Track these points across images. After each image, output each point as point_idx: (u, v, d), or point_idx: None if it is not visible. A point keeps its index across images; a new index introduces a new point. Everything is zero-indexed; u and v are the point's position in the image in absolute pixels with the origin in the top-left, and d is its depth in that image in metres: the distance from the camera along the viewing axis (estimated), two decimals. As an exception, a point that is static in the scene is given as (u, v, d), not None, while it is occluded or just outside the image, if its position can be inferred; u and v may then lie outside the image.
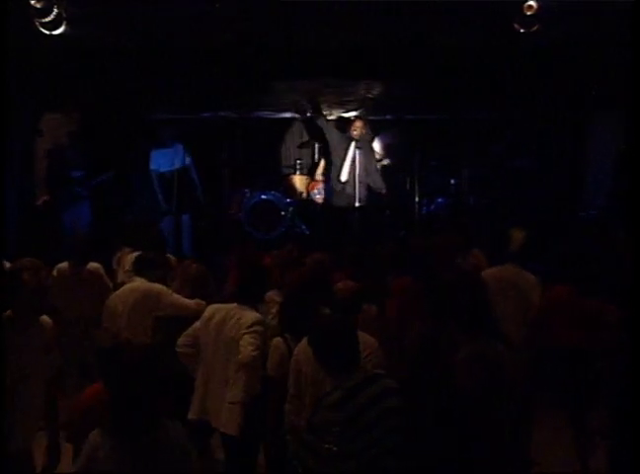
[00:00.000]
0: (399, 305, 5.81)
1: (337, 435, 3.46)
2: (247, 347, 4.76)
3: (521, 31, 7.87)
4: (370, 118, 11.05)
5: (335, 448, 3.47)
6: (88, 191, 10.15)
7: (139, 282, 5.84)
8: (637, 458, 3.86)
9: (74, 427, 4.09)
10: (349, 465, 3.48)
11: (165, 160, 10.61)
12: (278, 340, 4.80)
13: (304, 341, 4.42)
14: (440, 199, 11.21)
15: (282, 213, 10.71)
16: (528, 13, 7.73)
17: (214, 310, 5.11)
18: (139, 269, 5.95)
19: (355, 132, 9.95)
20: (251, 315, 4.95)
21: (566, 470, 5.81)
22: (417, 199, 10.87)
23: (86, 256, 7.06)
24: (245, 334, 4.82)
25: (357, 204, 9.95)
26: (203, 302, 5.61)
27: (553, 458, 5.86)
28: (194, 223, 10.66)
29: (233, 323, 4.92)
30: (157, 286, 5.78)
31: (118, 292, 5.95)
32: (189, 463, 3.39)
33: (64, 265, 7.10)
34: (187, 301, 5.74)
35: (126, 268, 6.83)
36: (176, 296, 5.76)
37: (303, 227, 10.94)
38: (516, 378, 4.17)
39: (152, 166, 10.62)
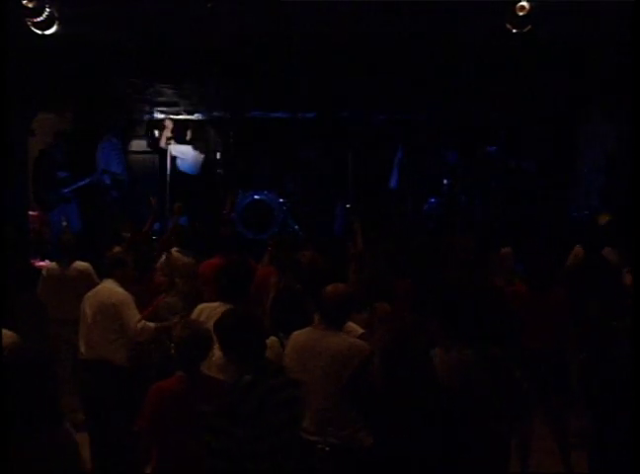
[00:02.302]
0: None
1: (239, 422, 3.50)
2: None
3: (514, 31, 7.88)
4: (360, 118, 11.10)
5: (239, 434, 3.51)
6: (73, 192, 10.15)
7: (103, 287, 5.77)
8: (637, 458, 3.87)
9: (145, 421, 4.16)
10: (248, 451, 3.53)
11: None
12: (273, 339, 4.78)
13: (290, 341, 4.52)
14: (432, 200, 11.22)
15: (275, 213, 10.72)
16: (521, 13, 7.74)
17: (201, 309, 5.15)
18: (107, 269, 5.87)
19: None
20: None
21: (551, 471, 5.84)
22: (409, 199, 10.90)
23: (74, 256, 7.04)
24: None
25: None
26: (151, 325, 5.60)
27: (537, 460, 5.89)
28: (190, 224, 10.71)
29: (212, 323, 4.93)
30: (115, 296, 5.66)
31: (90, 293, 5.85)
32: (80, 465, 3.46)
33: (53, 265, 7.08)
34: (133, 321, 5.59)
35: None
36: (130, 313, 5.63)
37: (296, 227, 10.93)
38: (512, 381, 4.16)
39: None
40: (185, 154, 10.98)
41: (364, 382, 4.07)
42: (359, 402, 4.12)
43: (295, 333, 4.57)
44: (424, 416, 3.68)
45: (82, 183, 10.20)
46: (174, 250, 7.19)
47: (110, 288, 5.72)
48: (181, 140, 11.02)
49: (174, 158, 10.93)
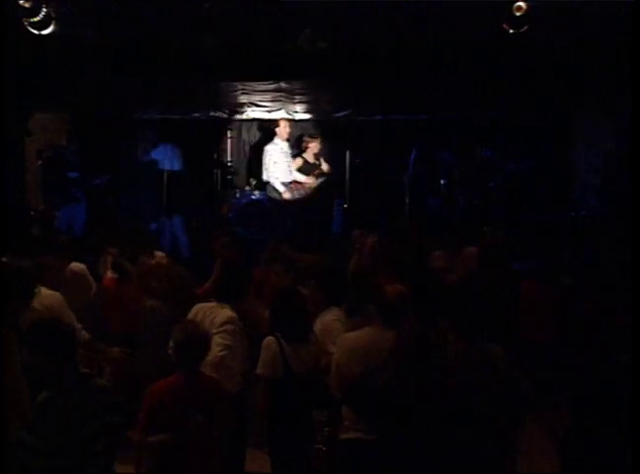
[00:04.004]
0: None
1: (43, 432, 3.46)
2: (215, 347, 4.79)
3: (511, 31, 7.88)
4: (359, 118, 11.09)
5: (41, 445, 3.45)
6: (83, 192, 10.15)
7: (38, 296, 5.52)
8: (637, 458, 3.88)
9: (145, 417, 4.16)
10: (57, 463, 3.47)
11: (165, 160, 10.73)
12: (270, 339, 4.80)
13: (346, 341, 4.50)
14: (430, 200, 11.21)
15: (273, 214, 10.71)
16: (518, 13, 7.74)
17: (197, 309, 5.16)
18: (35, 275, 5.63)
19: None
20: (224, 314, 4.99)
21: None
22: (407, 200, 10.88)
23: (70, 257, 7.02)
24: (215, 334, 4.86)
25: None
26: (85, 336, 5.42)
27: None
28: (187, 225, 10.70)
29: (209, 322, 4.96)
30: (48, 299, 5.43)
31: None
32: None
33: None
34: (74, 323, 5.28)
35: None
36: (69, 313, 5.42)
37: (293, 227, 10.92)
38: (512, 380, 4.16)
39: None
40: (163, 153, 11.01)
41: None
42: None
43: (352, 333, 4.57)
44: (430, 413, 3.71)
45: (92, 183, 10.23)
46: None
47: (42, 293, 5.48)
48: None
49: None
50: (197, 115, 11.17)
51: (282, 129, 10.75)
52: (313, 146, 10.78)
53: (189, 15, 8.04)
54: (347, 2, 7.80)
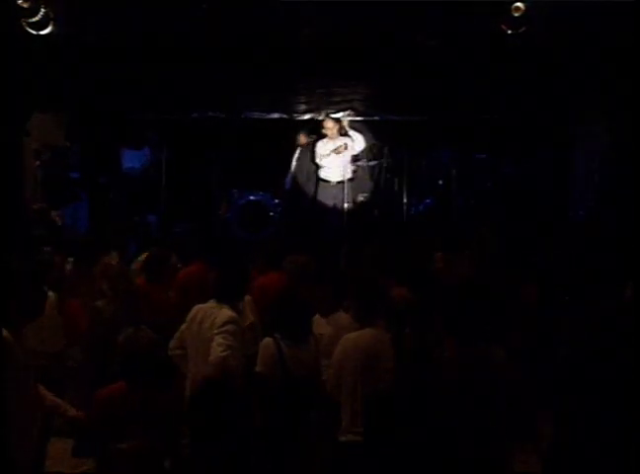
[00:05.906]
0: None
1: None
2: (216, 348, 4.82)
3: (509, 32, 7.87)
4: (359, 118, 11.08)
5: None
6: (85, 192, 10.16)
7: None
8: (637, 458, 3.88)
9: (90, 420, 4.13)
10: None
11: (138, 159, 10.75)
12: (268, 340, 4.81)
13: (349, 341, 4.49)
14: (428, 200, 11.22)
15: (271, 214, 10.72)
16: (516, 14, 7.73)
17: (197, 310, 5.16)
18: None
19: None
20: (225, 314, 4.98)
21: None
22: (405, 200, 10.89)
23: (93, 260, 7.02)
24: (216, 334, 4.87)
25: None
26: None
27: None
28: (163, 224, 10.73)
29: (209, 323, 4.98)
30: None
31: None
32: None
33: None
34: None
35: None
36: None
37: (291, 228, 10.92)
38: (513, 382, 4.17)
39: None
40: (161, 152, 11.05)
41: None
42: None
43: (354, 333, 4.61)
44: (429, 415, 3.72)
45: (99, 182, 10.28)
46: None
47: None
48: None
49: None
50: (195, 115, 11.18)
51: (329, 130, 10.64)
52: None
53: (188, 15, 8.03)
54: (345, 3, 7.80)
